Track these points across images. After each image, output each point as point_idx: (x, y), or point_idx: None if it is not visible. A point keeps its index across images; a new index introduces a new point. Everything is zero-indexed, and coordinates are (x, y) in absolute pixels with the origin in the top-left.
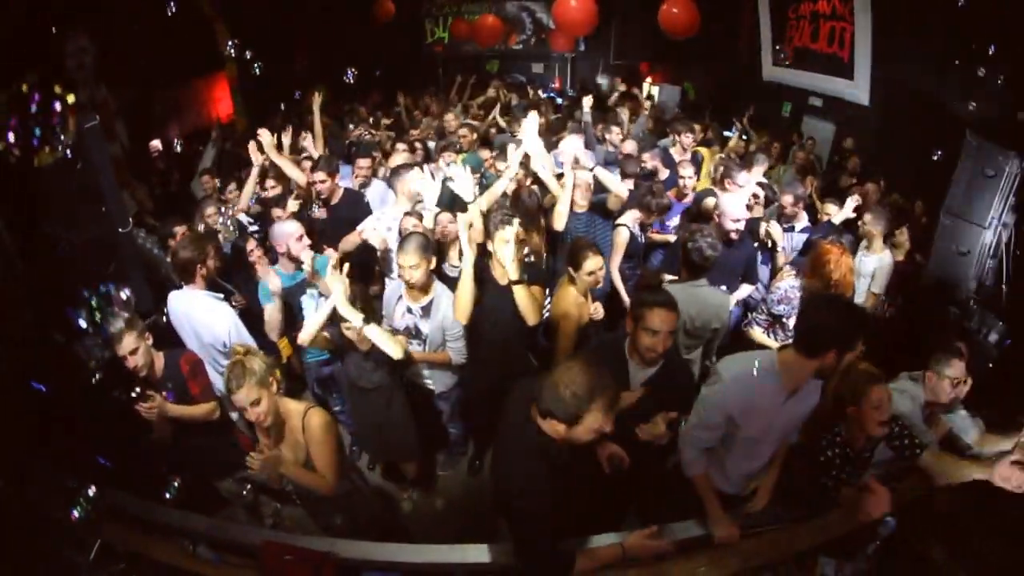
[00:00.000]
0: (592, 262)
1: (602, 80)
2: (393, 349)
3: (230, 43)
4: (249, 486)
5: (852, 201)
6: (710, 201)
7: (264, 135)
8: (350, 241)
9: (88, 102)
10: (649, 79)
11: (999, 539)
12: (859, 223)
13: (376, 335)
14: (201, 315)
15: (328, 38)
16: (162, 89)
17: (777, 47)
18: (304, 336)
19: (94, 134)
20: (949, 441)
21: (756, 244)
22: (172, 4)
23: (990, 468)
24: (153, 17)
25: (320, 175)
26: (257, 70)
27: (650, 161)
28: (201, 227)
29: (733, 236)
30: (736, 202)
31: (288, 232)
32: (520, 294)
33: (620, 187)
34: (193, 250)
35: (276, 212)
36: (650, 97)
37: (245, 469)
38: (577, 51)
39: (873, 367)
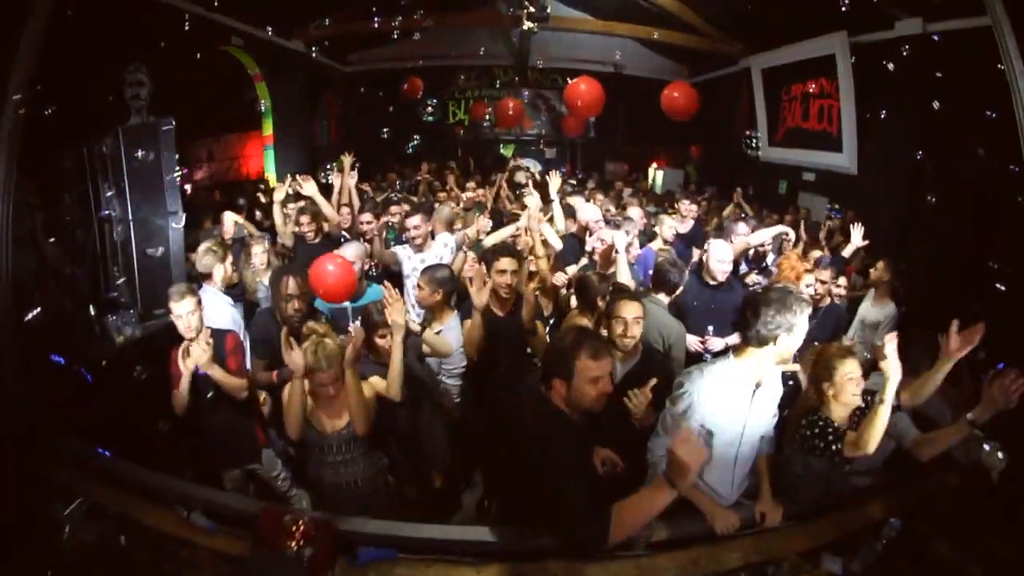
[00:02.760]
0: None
1: (610, 166)
2: (444, 350)
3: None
4: (254, 483)
5: (859, 229)
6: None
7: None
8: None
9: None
10: (654, 164)
11: (1014, 536)
12: (871, 271)
13: (432, 339)
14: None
15: (358, 113)
16: (198, 138)
17: (771, 129)
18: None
19: (168, 135)
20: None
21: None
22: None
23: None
24: (201, 68)
25: (367, 216)
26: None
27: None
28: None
29: (719, 277)
30: (724, 246)
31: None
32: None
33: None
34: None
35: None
36: (654, 181)
37: (257, 461)
38: (587, 137)
39: (842, 346)
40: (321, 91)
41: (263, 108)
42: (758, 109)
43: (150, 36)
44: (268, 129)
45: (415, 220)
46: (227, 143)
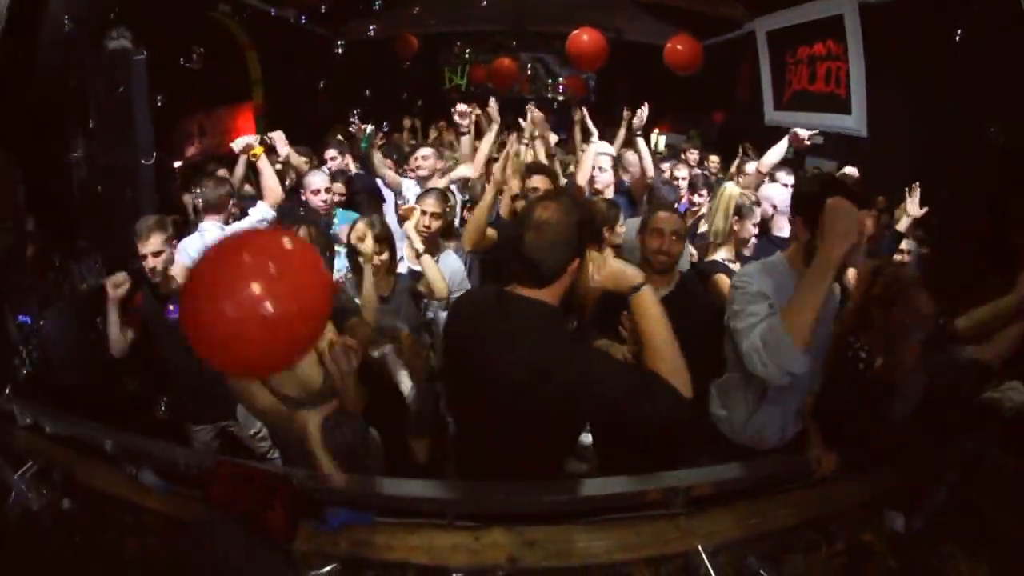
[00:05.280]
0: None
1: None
2: (442, 284)
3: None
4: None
5: (915, 195)
6: None
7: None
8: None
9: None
10: (657, 129)
11: None
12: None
13: (431, 266)
14: None
15: (352, 79)
16: (188, 112)
17: (777, 93)
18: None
19: (139, 67)
20: None
21: None
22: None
23: None
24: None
25: (332, 152)
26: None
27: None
28: None
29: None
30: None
31: (314, 183)
32: None
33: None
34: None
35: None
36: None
37: (232, 417)
38: (588, 100)
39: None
40: (313, 61)
41: (253, 78)
42: (763, 73)
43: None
44: (259, 100)
45: (425, 151)
46: (218, 116)
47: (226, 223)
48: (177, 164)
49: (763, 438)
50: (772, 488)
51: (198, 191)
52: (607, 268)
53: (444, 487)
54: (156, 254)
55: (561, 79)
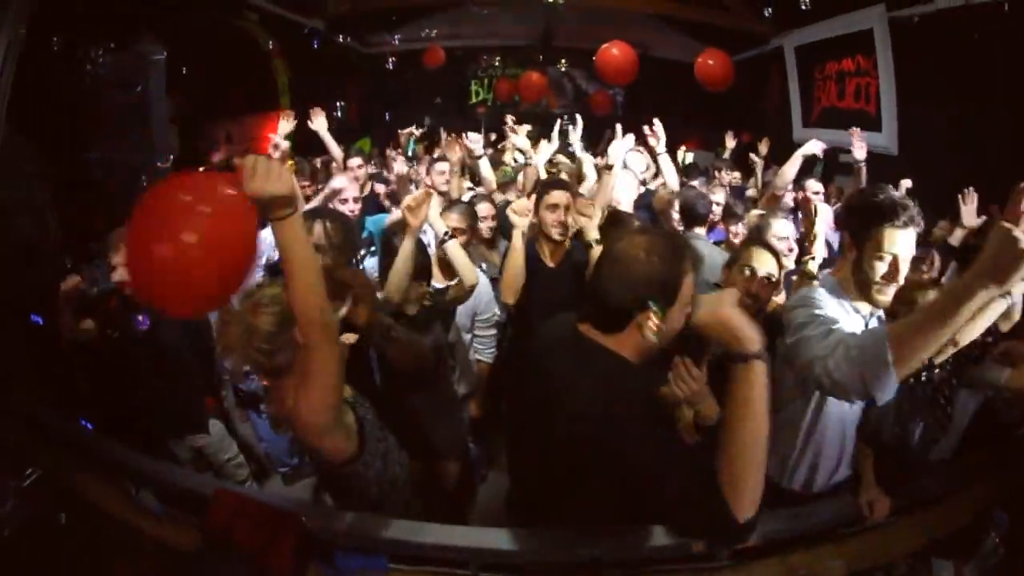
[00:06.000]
0: None
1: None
2: (471, 273)
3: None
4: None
5: (971, 203)
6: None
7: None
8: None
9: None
10: (683, 147)
11: None
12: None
13: (458, 251)
14: None
15: (377, 92)
16: (214, 119)
17: (805, 110)
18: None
19: (158, 67)
20: None
21: None
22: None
23: None
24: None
25: (357, 160)
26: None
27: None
28: None
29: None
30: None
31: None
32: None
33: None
34: None
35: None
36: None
37: (201, 432)
38: (615, 115)
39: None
40: (340, 71)
41: (280, 86)
42: (791, 90)
43: (163, 7)
44: (286, 107)
45: (443, 166)
46: (245, 124)
47: None
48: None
49: (811, 483)
50: (820, 537)
51: None
52: (722, 312)
53: (468, 534)
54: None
55: (589, 94)
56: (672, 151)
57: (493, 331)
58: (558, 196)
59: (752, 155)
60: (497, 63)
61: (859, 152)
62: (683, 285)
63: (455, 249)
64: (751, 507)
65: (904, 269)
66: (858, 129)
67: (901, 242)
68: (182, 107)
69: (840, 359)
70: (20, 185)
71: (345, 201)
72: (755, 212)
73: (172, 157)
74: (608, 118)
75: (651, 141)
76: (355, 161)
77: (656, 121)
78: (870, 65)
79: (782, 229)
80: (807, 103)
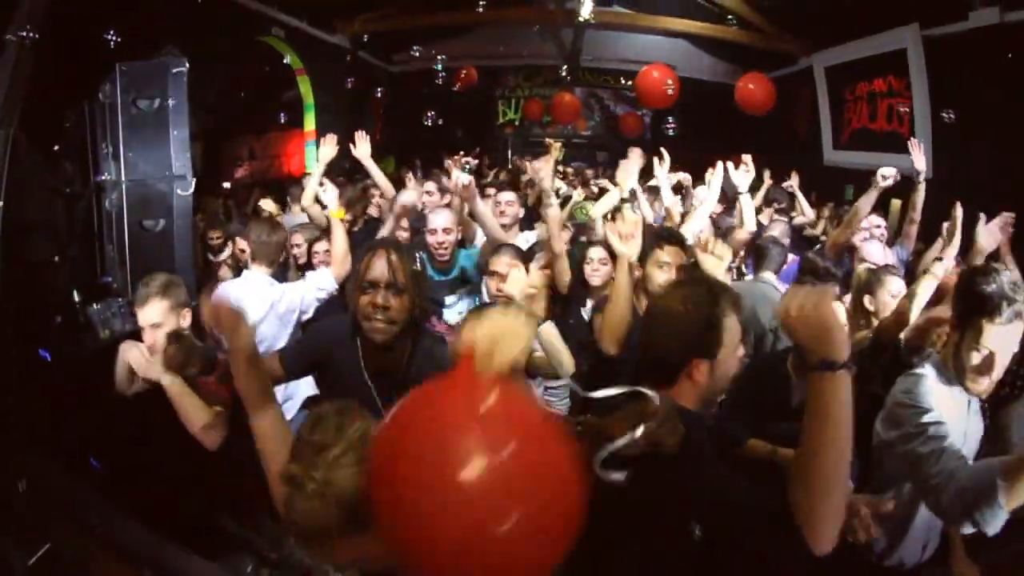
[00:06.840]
0: None
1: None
2: (569, 358)
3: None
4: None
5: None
6: None
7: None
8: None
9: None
10: (711, 169)
11: None
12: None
13: (554, 337)
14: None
15: (401, 114)
16: (238, 134)
17: (836, 131)
18: None
19: (179, 81)
20: None
21: None
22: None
23: None
24: (242, 61)
25: (431, 186)
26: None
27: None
28: None
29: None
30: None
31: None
32: None
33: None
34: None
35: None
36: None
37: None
38: (644, 138)
39: None
40: (365, 88)
41: (305, 104)
42: (821, 110)
43: (187, 22)
44: (310, 125)
45: (508, 196)
46: (268, 141)
47: (275, 275)
48: (226, 185)
49: (904, 560)
50: None
51: (243, 240)
52: (823, 308)
53: None
54: (155, 326)
55: (618, 116)
56: (700, 175)
57: (568, 402)
58: (673, 254)
59: (788, 184)
60: (524, 82)
61: (919, 162)
62: (725, 328)
63: (549, 333)
64: (830, 542)
65: (1003, 363)
66: (915, 139)
67: (1001, 338)
68: (205, 122)
69: (953, 495)
70: (39, 202)
71: (435, 232)
72: (862, 267)
73: (193, 181)
74: (638, 141)
75: (734, 180)
76: (429, 186)
77: (747, 158)
78: (902, 86)
79: (896, 287)
80: (838, 124)
